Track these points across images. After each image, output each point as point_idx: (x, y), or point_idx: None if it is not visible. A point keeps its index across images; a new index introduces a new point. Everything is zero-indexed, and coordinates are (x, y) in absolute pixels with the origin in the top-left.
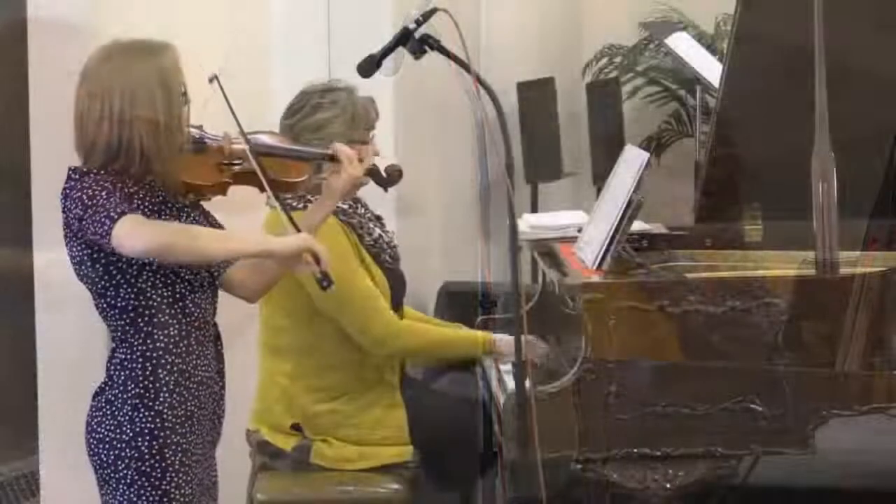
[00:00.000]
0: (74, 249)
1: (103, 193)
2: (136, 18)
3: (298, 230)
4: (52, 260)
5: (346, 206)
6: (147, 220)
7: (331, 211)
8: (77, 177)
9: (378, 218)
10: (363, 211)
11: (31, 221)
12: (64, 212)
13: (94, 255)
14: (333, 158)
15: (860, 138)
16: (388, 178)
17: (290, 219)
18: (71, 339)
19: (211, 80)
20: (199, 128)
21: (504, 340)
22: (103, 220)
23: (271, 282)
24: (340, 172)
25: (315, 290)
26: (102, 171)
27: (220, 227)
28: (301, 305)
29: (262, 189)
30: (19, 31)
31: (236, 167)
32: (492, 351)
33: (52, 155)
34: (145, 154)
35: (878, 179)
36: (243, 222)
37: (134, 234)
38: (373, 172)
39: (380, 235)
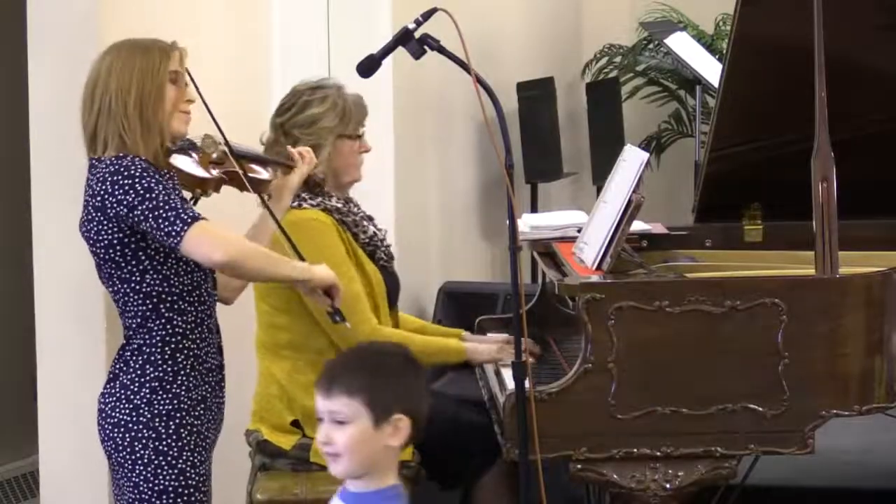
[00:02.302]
0: (103, 233)
1: (159, 187)
2: (136, 20)
3: (281, 228)
4: (52, 259)
5: (339, 205)
6: (215, 227)
7: (287, 206)
8: (118, 164)
9: (370, 217)
10: (356, 210)
11: (31, 221)
12: (98, 195)
13: (126, 240)
14: (291, 166)
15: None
16: (318, 182)
17: (274, 217)
18: (71, 340)
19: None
20: None
21: (472, 349)
22: (173, 220)
23: (245, 285)
24: (294, 171)
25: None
26: (137, 158)
27: None
28: (298, 303)
29: (242, 189)
30: (19, 30)
31: (222, 167)
32: (468, 361)
33: (53, 154)
34: (163, 139)
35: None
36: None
37: (213, 243)
38: (310, 176)
39: (374, 233)
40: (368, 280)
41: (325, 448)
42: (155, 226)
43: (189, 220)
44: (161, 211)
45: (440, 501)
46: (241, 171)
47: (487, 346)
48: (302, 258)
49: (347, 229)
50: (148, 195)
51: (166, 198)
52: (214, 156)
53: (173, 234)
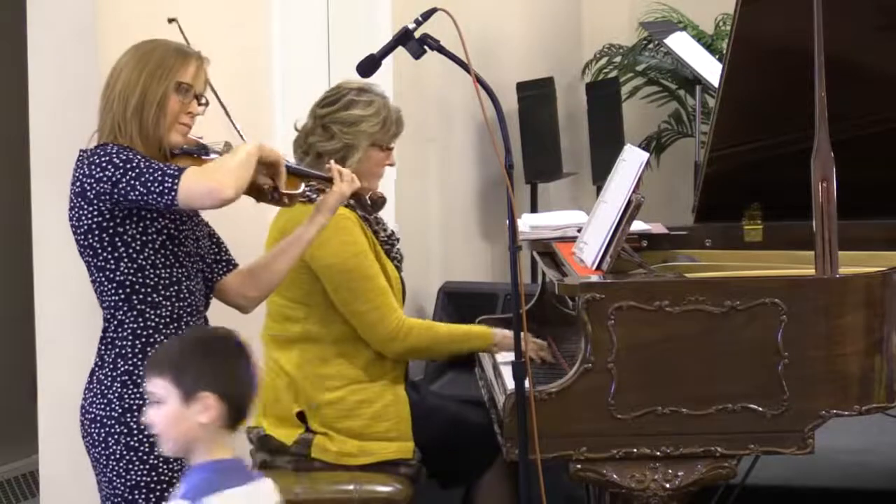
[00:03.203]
0: (84, 219)
1: (138, 157)
2: (136, 20)
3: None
4: (52, 259)
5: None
6: (201, 167)
7: (324, 225)
8: (95, 149)
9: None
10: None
11: (30, 219)
12: (78, 181)
13: (105, 224)
14: (331, 181)
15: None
16: (373, 203)
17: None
18: (70, 339)
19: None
20: (200, 138)
21: (500, 334)
22: (161, 178)
23: (267, 291)
24: (334, 189)
25: (330, 282)
26: (118, 145)
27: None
28: (317, 298)
29: (258, 200)
30: (19, 30)
31: None
32: (492, 345)
33: (53, 154)
34: (160, 147)
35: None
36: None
37: (213, 183)
38: (359, 194)
39: (392, 232)
40: (388, 276)
41: (150, 429)
42: (144, 191)
43: (177, 172)
44: (147, 174)
45: (440, 501)
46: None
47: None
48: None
49: (370, 227)
50: (128, 165)
51: (147, 163)
52: None
53: (166, 191)
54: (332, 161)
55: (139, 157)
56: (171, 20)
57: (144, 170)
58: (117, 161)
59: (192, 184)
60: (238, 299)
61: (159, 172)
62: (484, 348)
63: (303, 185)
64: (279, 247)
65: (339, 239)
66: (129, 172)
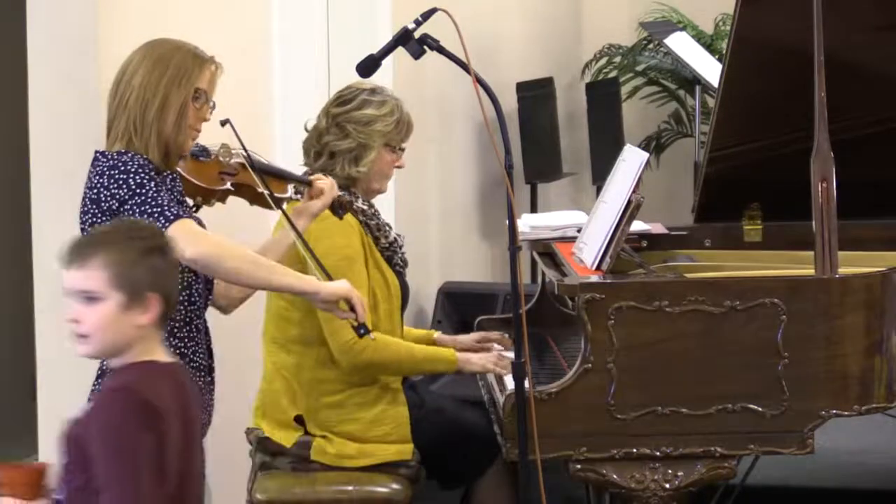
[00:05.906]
0: (97, 225)
1: (151, 184)
2: (137, 20)
3: (305, 243)
4: (52, 259)
5: (365, 207)
6: (197, 227)
7: (305, 228)
8: (117, 159)
9: (388, 225)
10: (378, 214)
11: (30, 220)
12: (95, 187)
13: None
14: (311, 185)
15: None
16: (340, 206)
17: (294, 228)
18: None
19: (223, 124)
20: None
21: (464, 359)
22: (157, 216)
23: (249, 295)
24: (320, 197)
25: None
26: (138, 155)
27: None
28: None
29: (252, 202)
30: (19, 30)
31: (234, 177)
32: (459, 371)
33: (52, 154)
34: (169, 151)
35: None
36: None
37: (188, 240)
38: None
39: (395, 239)
40: (387, 284)
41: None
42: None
43: (172, 218)
44: (147, 206)
45: (440, 501)
46: (263, 189)
47: (479, 356)
48: (328, 275)
49: (370, 233)
50: (139, 190)
51: (155, 195)
52: (230, 163)
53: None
54: (317, 174)
55: (153, 183)
56: (224, 122)
57: (149, 200)
58: (132, 182)
59: (177, 234)
60: (220, 300)
61: (157, 210)
62: (448, 372)
63: (290, 188)
64: (261, 250)
65: (332, 241)
66: (136, 198)
